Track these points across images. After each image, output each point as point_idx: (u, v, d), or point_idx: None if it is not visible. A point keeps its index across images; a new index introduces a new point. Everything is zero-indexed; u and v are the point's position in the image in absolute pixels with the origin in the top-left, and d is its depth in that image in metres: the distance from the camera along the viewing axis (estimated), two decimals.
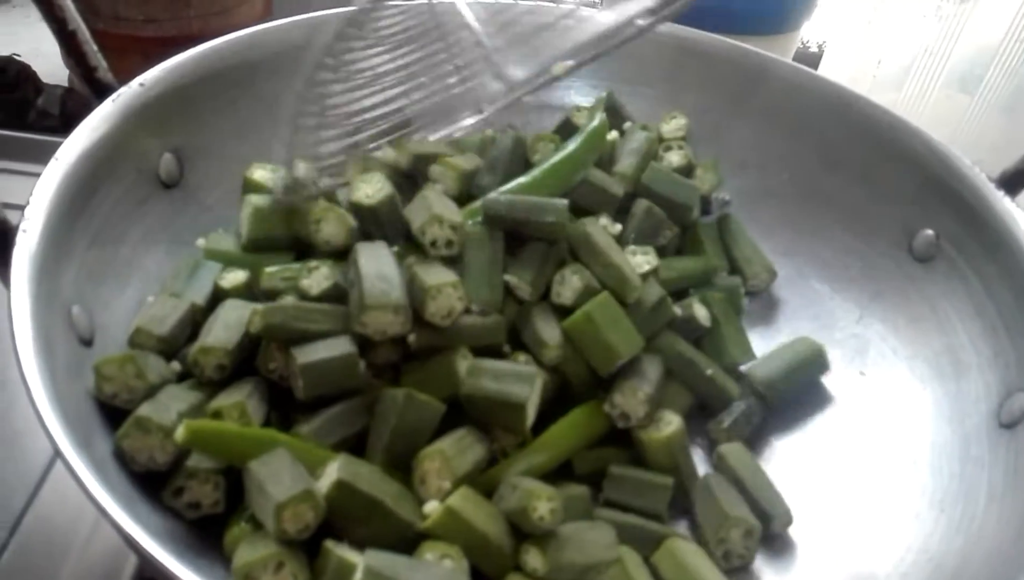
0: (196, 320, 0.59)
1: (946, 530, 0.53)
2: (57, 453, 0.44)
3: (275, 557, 0.46)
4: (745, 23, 0.94)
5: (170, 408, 0.52)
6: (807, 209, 0.74)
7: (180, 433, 0.50)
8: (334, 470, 0.49)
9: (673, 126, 0.76)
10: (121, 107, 0.62)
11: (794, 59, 1.07)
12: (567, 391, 0.59)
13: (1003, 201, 0.61)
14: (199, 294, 0.61)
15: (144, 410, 0.52)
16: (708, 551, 0.53)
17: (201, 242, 0.65)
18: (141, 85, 0.64)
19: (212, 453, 0.52)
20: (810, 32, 1.30)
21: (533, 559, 0.50)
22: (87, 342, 0.55)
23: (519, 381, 0.53)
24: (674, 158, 0.74)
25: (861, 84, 0.78)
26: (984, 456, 0.55)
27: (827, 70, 1.22)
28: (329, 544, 0.47)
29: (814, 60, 1.24)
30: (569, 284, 0.60)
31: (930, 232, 0.66)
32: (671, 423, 0.57)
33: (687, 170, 0.73)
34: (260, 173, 0.68)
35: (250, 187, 0.68)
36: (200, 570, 0.40)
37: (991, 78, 1.18)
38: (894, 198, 0.69)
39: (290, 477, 0.48)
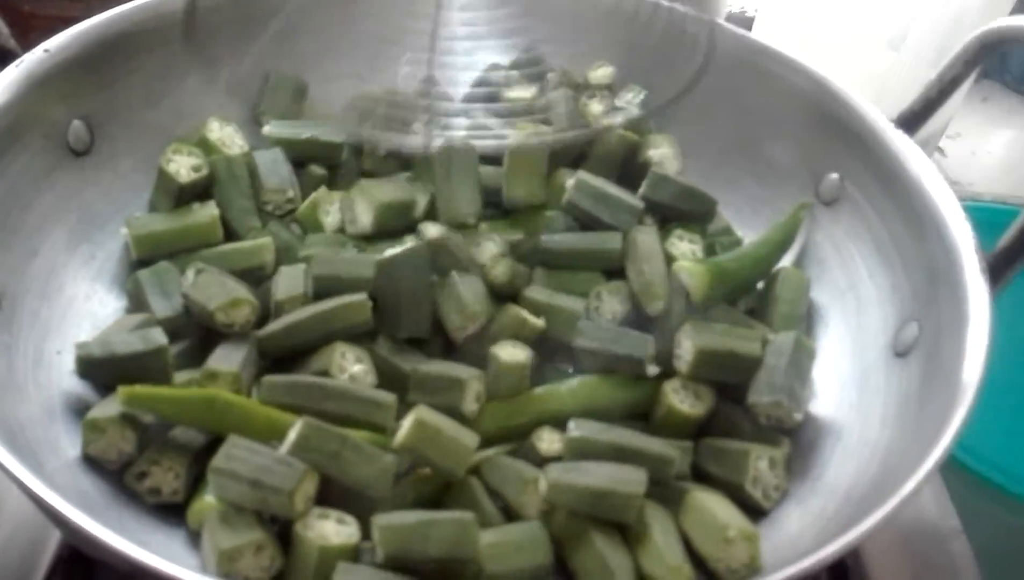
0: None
1: (841, 457, 0.54)
2: None
3: (257, 542, 0.47)
4: None
5: (113, 404, 0.53)
6: (721, 159, 0.75)
7: (119, 398, 0.51)
8: (296, 427, 0.50)
9: (600, 75, 0.77)
10: (24, 73, 0.61)
11: (727, 21, 1.08)
12: None
13: (901, 139, 0.63)
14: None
15: (93, 413, 0.53)
16: (747, 494, 0.54)
17: (124, 231, 0.65)
18: (46, 51, 0.63)
19: (154, 413, 0.53)
20: None
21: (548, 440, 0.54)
22: None
23: None
24: (596, 107, 0.74)
25: (790, 45, 0.79)
26: (880, 385, 0.56)
27: (759, 33, 1.23)
28: (300, 528, 0.48)
29: (747, 24, 1.25)
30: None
31: (835, 175, 0.67)
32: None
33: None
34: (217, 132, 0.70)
35: (209, 148, 0.69)
36: (115, 531, 0.40)
37: (917, 35, 1.20)
38: (801, 144, 0.70)
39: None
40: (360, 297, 0.58)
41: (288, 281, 0.61)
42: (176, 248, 0.65)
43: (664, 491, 0.52)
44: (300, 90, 0.77)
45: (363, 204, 0.66)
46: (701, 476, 0.56)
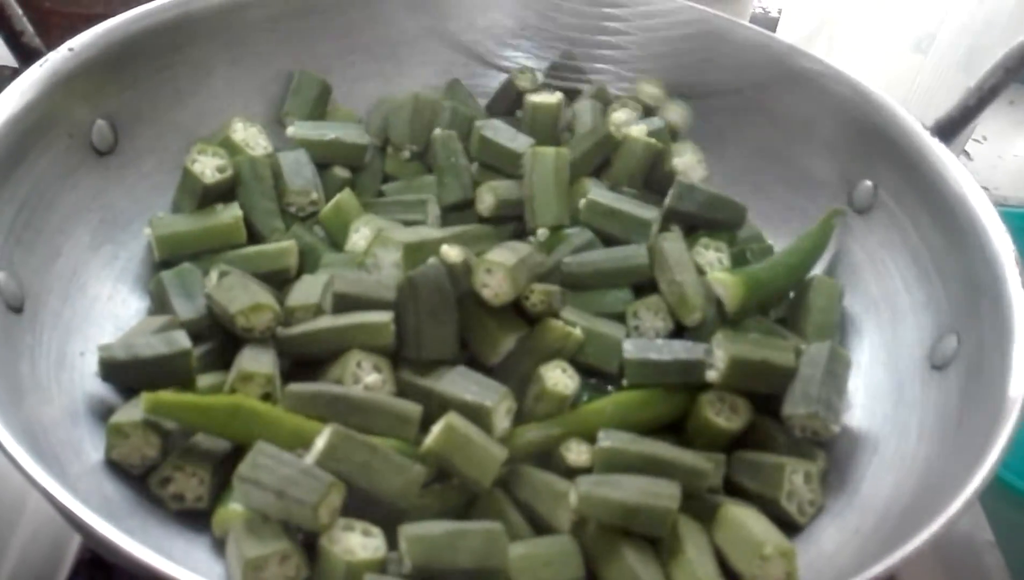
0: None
1: (877, 471, 0.53)
2: None
3: (282, 551, 0.46)
4: None
5: (137, 408, 0.52)
6: (750, 165, 0.74)
7: (142, 405, 0.50)
8: (324, 435, 0.49)
9: (647, 92, 0.76)
10: (49, 72, 0.60)
11: (751, 22, 1.07)
12: None
13: (937, 148, 0.61)
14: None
15: (117, 417, 0.52)
16: (782, 509, 0.53)
17: (147, 232, 0.65)
18: (70, 50, 0.63)
19: (178, 421, 0.52)
20: None
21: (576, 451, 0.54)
22: (16, 309, 0.54)
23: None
24: (620, 116, 0.74)
25: (815, 47, 0.78)
26: (916, 397, 0.55)
27: (783, 34, 1.22)
28: (325, 542, 0.47)
29: (771, 25, 1.24)
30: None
31: (869, 183, 0.66)
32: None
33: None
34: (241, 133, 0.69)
35: (232, 149, 0.68)
36: (137, 537, 0.40)
37: (945, 37, 1.18)
38: (834, 151, 0.69)
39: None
40: (384, 317, 0.56)
41: (305, 289, 0.60)
42: (199, 249, 0.64)
43: (697, 504, 0.51)
44: (324, 91, 0.76)
45: (388, 249, 0.62)
46: (734, 490, 0.55)
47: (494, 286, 0.57)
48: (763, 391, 0.56)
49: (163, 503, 0.52)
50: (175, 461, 0.52)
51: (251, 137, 0.70)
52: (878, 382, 0.59)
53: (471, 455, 0.51)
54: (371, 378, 0.56)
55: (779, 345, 0.57)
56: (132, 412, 0.53)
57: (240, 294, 0.58)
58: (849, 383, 0.58)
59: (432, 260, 0.57)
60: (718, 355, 0.56)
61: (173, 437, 0.53)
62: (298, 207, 0.68)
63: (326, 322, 0.58)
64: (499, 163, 0.71)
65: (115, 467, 0.53)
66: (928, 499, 0.46)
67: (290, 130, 0.71)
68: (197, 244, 0.65)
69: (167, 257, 0.64)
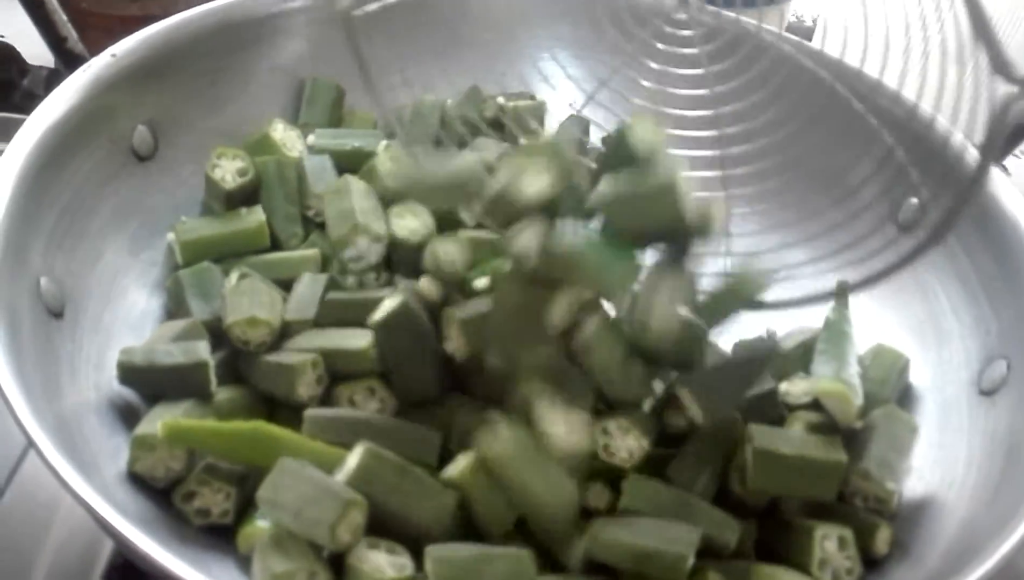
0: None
1: (923, 497, 0.52)
2: (19, 426, 0.43)
3: (309, 568, 0.45)
4: None
5: (164, 418, 0.52)
6: (792, 179, 0.72)
7: (159, 431, 0.50)
8: (356, 454, 0.49)
9: None
10: (92, 78, 0.61)
11: (787, 31, 1.06)
12: None
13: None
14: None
15: (141, 429, 0.52)
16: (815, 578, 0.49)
17: (171, 237, 0.65)
18: (113, 56, 0.63)
19: (197, 447, 0.52)
20: (803, 5, 1.28)
21: (597, 496, 0.51)
22: (57, 314, 0.54)
23: None
24: None
25: (854, 58, 0.76)
26: (963, 423, 0.54)
27: (820, 43, 1.20)
28: (353, 560, 0.46)
29: (807, 34, 1.22)
30: None
31: (915, 201, 0.65)
32: None
33: None
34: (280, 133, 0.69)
35: (268, 148, 0.68)
36: (175, 551, 0.40)
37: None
38: (880, 167, 0.68)
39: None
40: (363, 342, 0.55)
41: (302, 300, 0.60)
42: (223, 253, 0.64)
43: (728, 568, 0.49)
44: (339, 95, 0.75)
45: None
46: (767, 558, 0.51)
47: (454, 339, 0.55)
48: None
49: (186, 518, 0.52)
50: (200, 475, 0.52)
51: (289, 139, 0.70)
52: (922, 406, 0.58)
53: (490, 501, 0.50)
54: (371, 406, 0.55)
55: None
56: (158, 424, 0.52)
57: (243, 303, 0.58)
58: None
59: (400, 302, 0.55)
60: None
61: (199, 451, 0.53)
62: (317, 212, 0.68)
63: (303, 345, 0.57)
64: None
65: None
66: (976, 534, 0.45)
67: (310, 139, 0.71)
68: (221, 249, 0.64)
69: (191, 262, 0.64)
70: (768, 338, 0.61)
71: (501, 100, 0.75)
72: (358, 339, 0.55)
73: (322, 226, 0.67)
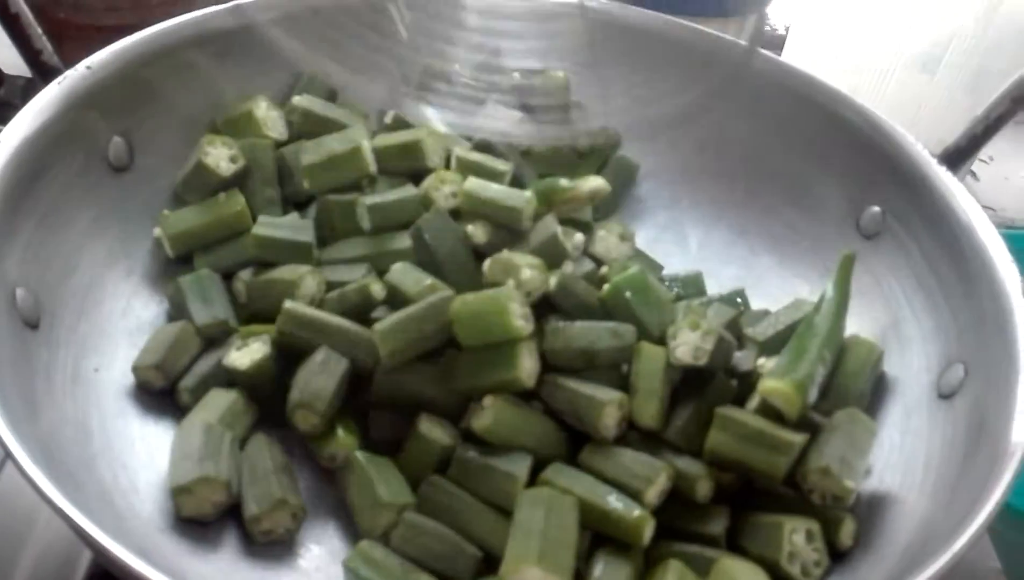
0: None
1: (884, 497, 0.54)
2: None
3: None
4: (701, 5, 0.94)
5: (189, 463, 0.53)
6: (760, 188, 0.74)
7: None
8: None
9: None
10: (67, 90, 0.61)
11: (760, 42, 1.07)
12: None
13: (945, 176, 0.62)
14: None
15: (174, 480, 0.53)
16: (784, 571, 0.50)
17: (157, 232, 0.66)
18: (88, 68, 0.63)
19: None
20: (775, 14, 1.30)
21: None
22: (33, 325, 0.55)
23: None
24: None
25: (823, 66, 0.78)
26: (923, 427, 0.55)
27: (791, 53, 1.22)
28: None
29: (779, 43, 1.24)
30: None
31: (876, 208, 0.67)
32: None
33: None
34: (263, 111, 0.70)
35: (251, 124, 0.69)
36: (152, 560, 0.40)
37: (952, 58, 1.19)
38: (842, 175, 0.69)
39: None
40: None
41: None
42: (208, 241, 0.66)
43: (695, 556, 0.51)
44: (331, 91, 0.76)
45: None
46: (737, 552, 0.53)
47: None
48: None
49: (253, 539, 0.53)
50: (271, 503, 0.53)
51: (271, 119, 0.72)
52: (885, 410, 0.59)
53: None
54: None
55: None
56: (187, 468, 0.53)
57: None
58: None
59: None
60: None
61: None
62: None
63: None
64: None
65: (128, 486, 0.53)
66: (933, 533, 0.46)
67: (296, 99, 0.72)
68: (207, 236, 0.66)
69: (181, 253, 0.66)
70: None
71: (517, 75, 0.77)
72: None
73: (300, 206, 0.69)
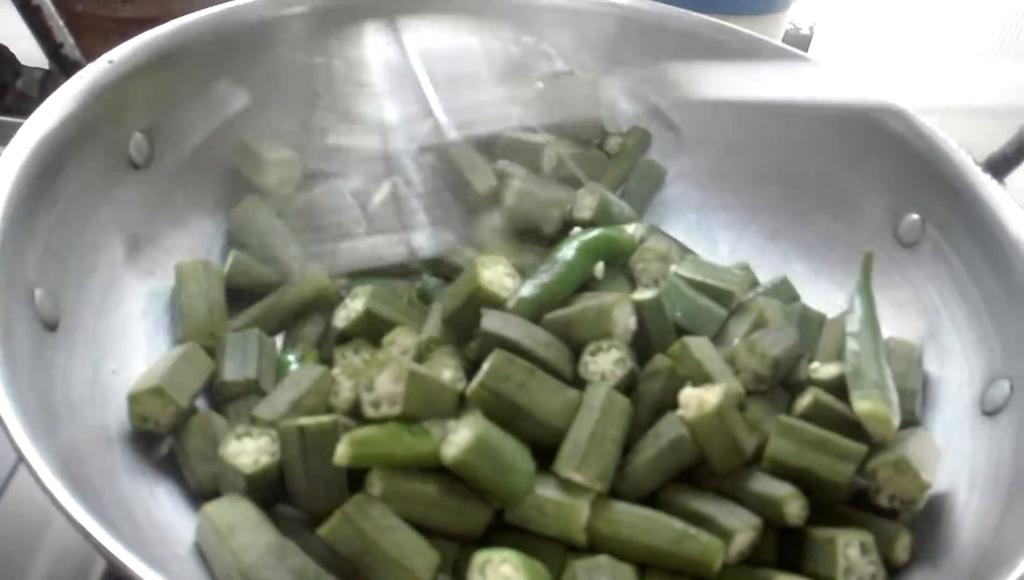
0: None
1: (930, 517, 0.52)
2: (11, 443, 0.42)
3: None
4: (730, 3, 0.92)
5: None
6: (793, 192, 0.73)
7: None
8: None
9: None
10: (88, 84, 0.60)
11: (784, 41, 1.06)
12: None
13: (989, 185, 0.60)
14: None
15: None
16: None
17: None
18: (110, 62, 0.62)
19: None
20: (800, 13, 1.28)
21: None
22: (51, 326, 0.53)
23: None
24: None
25: (851, 66, 0.76)
26: (966, 444, 0.54)
27: (817, 52, 1.20)
28: None
29: (804, 42, 1.22)
30: None
31: (915, 216, 0.65)
32: None
33: None
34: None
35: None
36: (168, 574, 0.39)
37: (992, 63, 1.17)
38: (880, 182, 0.68)
39: None
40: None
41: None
42: None
43: (749, 574, 0.49)
44: None
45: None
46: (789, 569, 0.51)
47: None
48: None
49: None
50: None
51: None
52: (924, 424, 0.58)
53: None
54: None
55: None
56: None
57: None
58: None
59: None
60: None
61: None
62: None
63: None
64: None
65: (147, 493, 0.52)
66: (989, 552, 0.45)
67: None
68: None
69: None
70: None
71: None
72: None
73: None
